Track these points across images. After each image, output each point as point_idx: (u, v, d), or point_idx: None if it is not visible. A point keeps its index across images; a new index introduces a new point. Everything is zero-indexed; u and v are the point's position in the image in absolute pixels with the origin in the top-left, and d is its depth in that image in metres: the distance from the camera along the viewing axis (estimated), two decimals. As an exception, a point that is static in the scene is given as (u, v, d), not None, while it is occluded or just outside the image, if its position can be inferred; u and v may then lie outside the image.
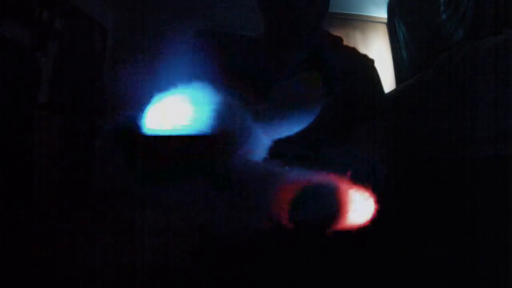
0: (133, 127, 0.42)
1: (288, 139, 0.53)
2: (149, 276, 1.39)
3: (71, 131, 2.92)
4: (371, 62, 0.88)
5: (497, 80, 0.75)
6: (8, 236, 1.81)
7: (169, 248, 1.76)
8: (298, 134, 0.54)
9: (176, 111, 0.42)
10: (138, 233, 2.10)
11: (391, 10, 3.38)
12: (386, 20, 3.54)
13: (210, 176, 0.42)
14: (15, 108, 2.22)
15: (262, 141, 0.49)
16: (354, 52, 0.90)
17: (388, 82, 3.46)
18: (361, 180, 0.36)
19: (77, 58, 3.15)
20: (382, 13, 3.54)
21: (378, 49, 3.58)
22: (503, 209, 0.58)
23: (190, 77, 0.46)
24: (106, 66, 3.64)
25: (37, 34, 2.74)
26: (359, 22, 3.68)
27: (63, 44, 3.03)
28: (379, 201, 0.37)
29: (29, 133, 2.31)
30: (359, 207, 0.35)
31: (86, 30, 3.33)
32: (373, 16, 3.67)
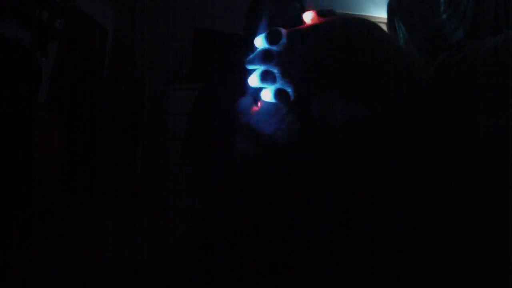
0: None
1: None
2: (149, 276, 1.39)
3: (71, 131, 2.93)
4: None
5: (497, 80, 0.75)
6: (8, 236, 1.81)
7: (169, 248, 1.77)
8: None
9: None
10: (138, 233, 2.10)
11: (391, 10, 3.38)
12: (386, 20, 3.55)
13: None
14: (15, 108, 2.23)
15: None
16: None
17: (388, 82, 3.46)
18: None
19: (77, 58, 3.16)
20: (382, 13, 3.54)
21: (378, 49, 3.59)
22: (503, 209, 0.58)
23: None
24: (106, 66, 3.65)
25: (37, 34, 2.75)
26: (359, 22, 3.68)
27: (63, 44, 3.03)
28: None
29: (29, 133, 2.31)
30: None
31: (86, 30, 3.33)
32: (373, 16, 3.67)
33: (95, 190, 3.25)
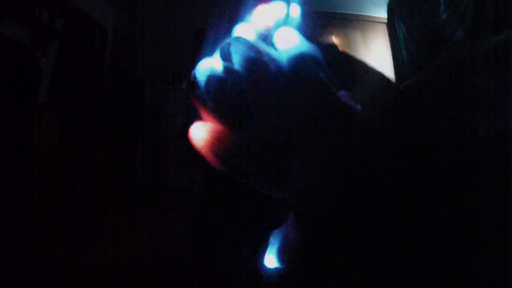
0: None
1: None
2: (149, 276, 1.39)
3: (71, 131, 2.93)
4: None
5: (497, 80, 0.75)
6: (8, 236, 1.81)
7: (169, 248, 1.77)
8: None
9: None
10: (138, 233, 2.10)
11: (391, 10, 3.38)
12: (386, 20, 3.54)
13: None
14: (15, 108, 2.23)
15: None
16: None
17: (388, 82, 3.46)
18: None
19: (77, 58, 3.16)
20: (382, 13, 3.54)
21: (378, 49, 3.59)
22: (503, 209, 0.58)
23: None
24: (106, 66, 3.65)
25: (37, 34, 2.75)
26: (359, 22, 3.68)
27: (63, 44, 3.03)
28: None
29: (29, 133, 2.31)
30: None
31: (86, 30, 3.33)
32: (373, 16, 3.67)
33: (95, 190, 3.25)
